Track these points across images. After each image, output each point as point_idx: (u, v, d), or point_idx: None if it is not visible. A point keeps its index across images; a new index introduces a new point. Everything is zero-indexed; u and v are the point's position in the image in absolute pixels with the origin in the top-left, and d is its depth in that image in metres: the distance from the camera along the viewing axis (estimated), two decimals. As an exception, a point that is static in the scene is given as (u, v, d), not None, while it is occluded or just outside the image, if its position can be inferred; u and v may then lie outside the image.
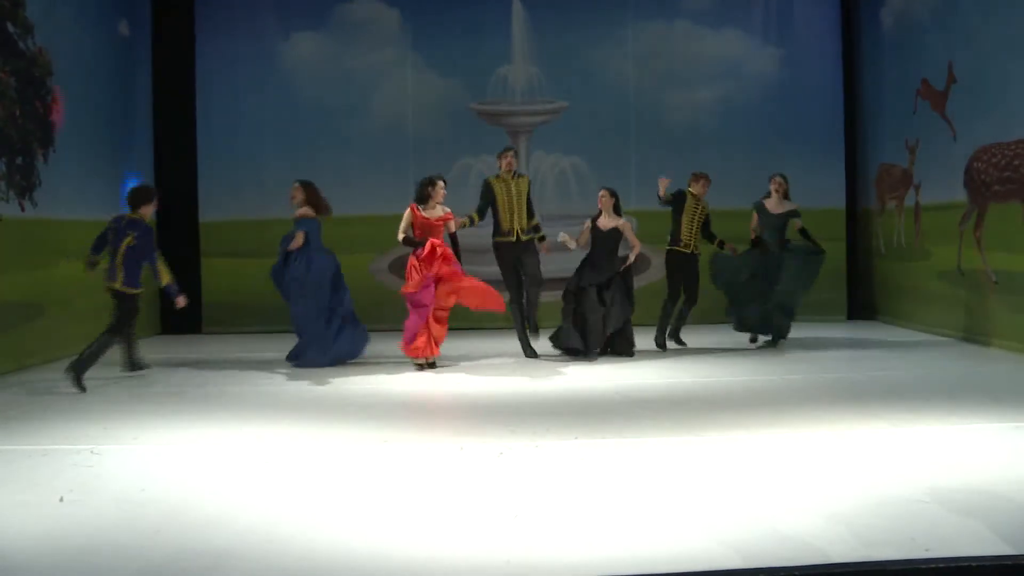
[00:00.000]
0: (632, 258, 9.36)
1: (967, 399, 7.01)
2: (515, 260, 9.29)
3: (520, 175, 9.43)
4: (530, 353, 9.37)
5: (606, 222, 9.39)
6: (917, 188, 11.58)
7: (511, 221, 9.25)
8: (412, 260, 8.74)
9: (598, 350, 9.23)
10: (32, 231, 9.36)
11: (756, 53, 12.99)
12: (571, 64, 12.86)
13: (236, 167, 12.54)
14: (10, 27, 8.96)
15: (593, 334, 9.14)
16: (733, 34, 13.00)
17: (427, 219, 8.77)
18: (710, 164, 12.52)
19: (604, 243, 9.36)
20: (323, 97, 12.74)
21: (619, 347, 9.37)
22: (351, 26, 12.91)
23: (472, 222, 9.28)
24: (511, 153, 9.41)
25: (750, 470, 5.18)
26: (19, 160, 9.10)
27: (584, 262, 9.43)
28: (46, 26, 9.53)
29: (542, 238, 9.45)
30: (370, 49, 12.87)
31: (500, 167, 9.34)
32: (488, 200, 9.32)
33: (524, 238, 9.31)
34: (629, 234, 9.39)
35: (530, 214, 9.37)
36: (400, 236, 8.86)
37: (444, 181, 8.95)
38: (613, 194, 9.44)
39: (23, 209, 9.18)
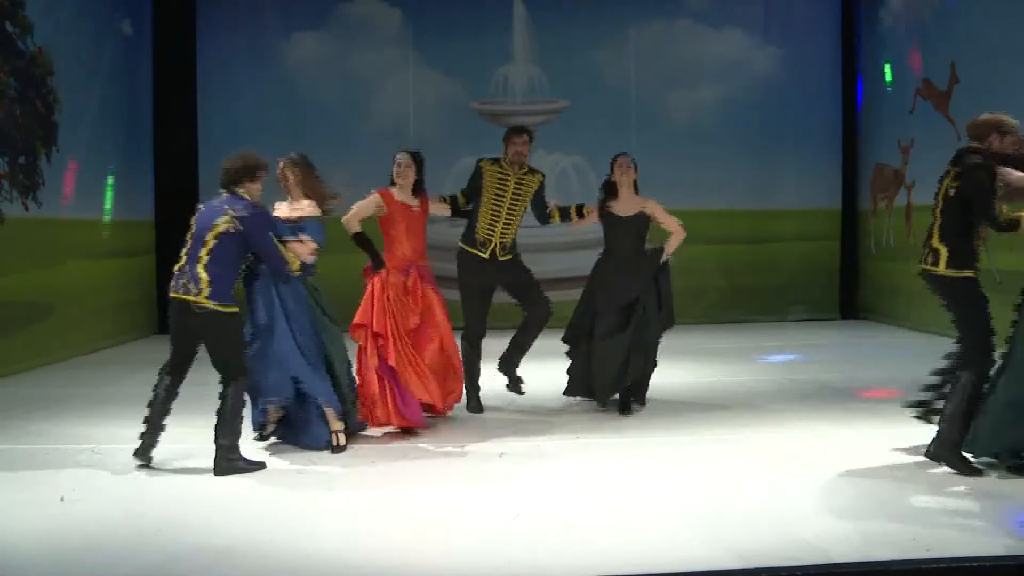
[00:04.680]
0: (671, 249, 6.54)
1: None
2: (487, 284, 6.71)
3: (533, 171, 6.79)
4: (474, 407, 6.79)
5: (626, 205, 6.56)
6: (909, 188, 11.61)
7: (491, 228, 6.64)
8: (378, 286, 6.11)
9: (615, 395, 6.66)
10: (36, 231, 9.36)
11: (756, 53, 13.00)
12: (572, 63, 12.86)
13: (237, 167, 12.52)
14: (9, 27, 8.96)
15: (606, 372, 6.51)
16: (734, 34, 13.01)
17: (407, 205, 6.25)
18: (710, 163, 12.58)
19: (626, 237, 6.56)
20: (324, 97, 12.74)
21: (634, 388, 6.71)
22: (352, 26, 12.91)
23: (445, 203, 6.74)
24: (523, 137, 6.70)
25: (751, 470, 5.18)
26: (21, 160, 9.11)
27: (596, 275, 6.68)
28: (47, 26, 9.53)
29: (579, 208, 6.92)
30: (371, 49, 12.87)
31: (506, 153, 6.72)
32: (475, 188, 6.73)
33: (503, 257, 6.66)
34: (664, 216, 6.58)
35: (545, 218, 6.94)
36: (351, 225, 6.23)
37: (412, 156, 6.31)
38: (634, 163, 6.65)
39: (27, 209, 9.19)
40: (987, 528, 4.12)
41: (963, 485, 4.76)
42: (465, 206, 6.74)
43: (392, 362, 5.91)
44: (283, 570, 3.81)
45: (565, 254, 11.98)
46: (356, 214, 6.22)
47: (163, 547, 4.06)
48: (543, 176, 6.87)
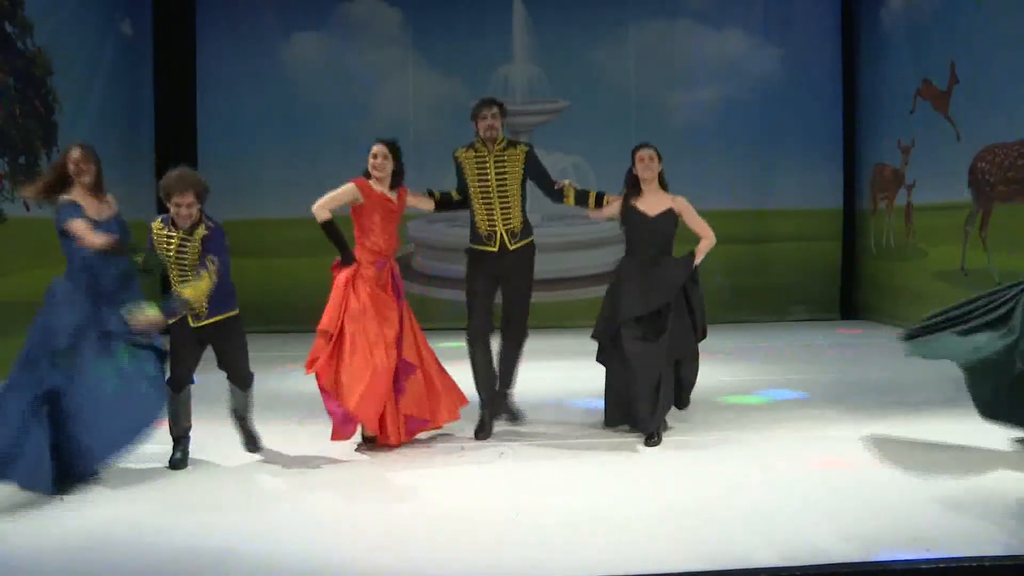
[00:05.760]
0: (701, 256, 5.90)
1: (967, 399, 7.00)
2: (493, 278, 6.11)
3: (514, 144, 6.09)
4: (482, 430, 6.04)
5: (653, 202, 5.90)
6: (909, 188, 11.64)
7: (490, 219, 6.03)
8: (342, 280, 5.73)
9: (657, 424, 5.82)
10: (37, 231, 9.36)
11: (756, 53, 13.01)
12: (572, 63, 12.87)
13: (236, 167, 12.53)
14: (8, 27, 8.98)
15: (642, 391, 5.79)
16: (733, 33, 13.02)
17: (386, 196, 5.81)
18: (710, 164, 12.58)
19: (651, 237, 5.89)
20: (324, 97, 12.74)
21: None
22: (352, 26, 12.92)
23: (432, 197, 6.17)
24: (493, 110, 6.01)
25: (750, 470, 5.18)
26: (22, 159, 9.13)
27: (619, 279, 5.98)
28: (48, 26, 9.55)
29: (599, 196, 6.16)
30: (371, 49, 12.88)
31: (477, 131, 6.08)
32: (463, 182, 6.17)
33: (514, 246, 6.03)
34: (693, 218, 5.95)
35: (555, 194, 6.19)
36: (321, 212, 5.75)
37: (387, 146, 5.86)
38: (659, 154, 5.93)
39: (28, 208, 9.19)
40: (987, 528, 4.13)
41: (963, 485, 4.77)
42: (457, 199, 6.18)
43: (344, 369, 5.55)
44: (283, 571, 3.81)
45: (564, 254, 12.01)
46: (328, 203, 5.75)
47: (163, 547, 4.07)
48: (528, 146, 6.11)
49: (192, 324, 5.37)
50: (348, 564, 3.88)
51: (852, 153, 13.16)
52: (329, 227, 5.75)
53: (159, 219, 5.44)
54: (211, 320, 5.39)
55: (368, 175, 5.83)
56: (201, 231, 5.34)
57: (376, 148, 5.84)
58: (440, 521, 4.40)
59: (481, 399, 6.15)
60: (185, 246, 5.33)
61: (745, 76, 12.94)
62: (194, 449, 5.61)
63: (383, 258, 5.81)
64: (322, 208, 5.74)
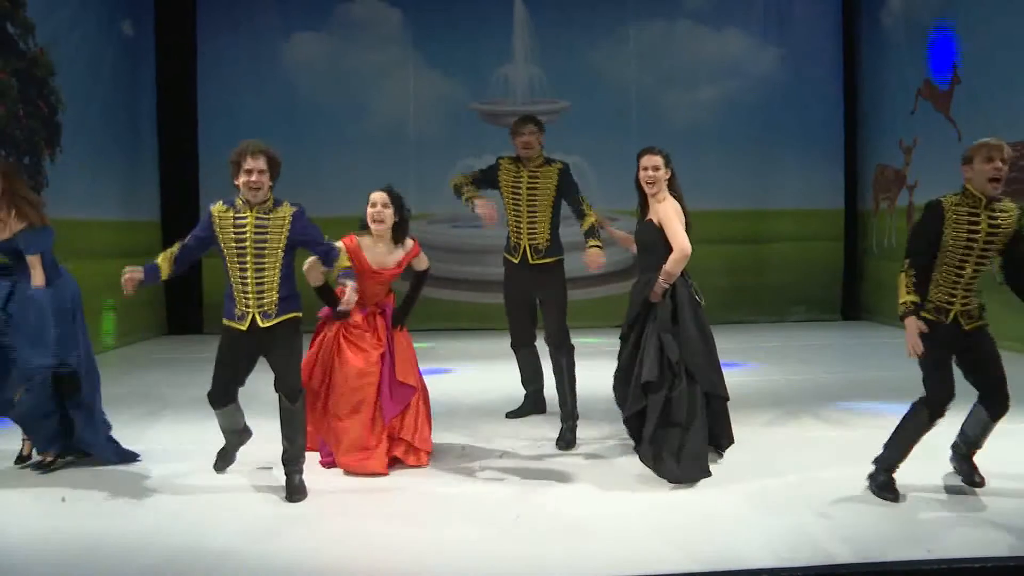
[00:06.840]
0: (665, 275, 5.17)
1: (967, 399, 6.99)
2: (523, 289, 6.16)
3: (549, 162, 6.05)
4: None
5: (647, 212, 5.41)
6: (911, 189, 11.63)
7: (517, 231, 6.08)
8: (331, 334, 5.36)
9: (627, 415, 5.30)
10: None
11: (757, 53, 13.01)
12: (572, 63, 12.87)
13: (237, 167, 12.52)
14: (10, 27, 8.98)
15: (617, 383, 5.40)
16: (734, 34, 13.02)
17: (374, 269, 5.32)
18: (710, 164, 12.58)
19: (640, 250, 5.48)
20: (324, 97, 12.75)
21: (644, 451, 5.12)
22: (352, 26, 12.93)
23: (466, 199, 6.16)
24: (530, 127, 5.97)
25: (751, 471, 5.18)
26: (26, 160, 9.14)
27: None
28: (49, 26, 9.56)
29: (590, 232, 5.98)
30: (371, 49, 12.89)
31: (516, 146, 6.07)
32: (488, 182, 6.21)
33: (536, 261, 6.03)
34: (667, 227, 5.23)
35: (580, 213, 6.03)
36: (309, 274, 5.18)
37: (388, 194, 5.37)
38: (668, 160, 5.42)
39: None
40: (988, 528, 4.13)
41: (963, 485, 4.76)
42: (469, 195, 6.11)
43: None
44: (282, 571, 3.81)
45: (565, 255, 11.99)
46: (314, 264, 5.11)
47: (163, 548, 4.07)
48: (562, 164, 6.06)
49: (261, 324, 4.71)
50: (347, 564, 3.89)
51: (853, 153, 13.16)
52: (320, 291, 5.18)
53: (219, 203, 4.90)
54: (279, 319, 4.73)
55: (365, 226, 5.35)
56: (286, 209, 4.80)
57: (375, 196, 5.31)
58: (440, 522, 4.40)
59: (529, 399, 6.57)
60: (264, 226, 4.73)
61: (745, 76, 12.94)
62: (192, 451, 5.61)
63: (370, 306, 5.38)
64: (310, 270, 5.16)
